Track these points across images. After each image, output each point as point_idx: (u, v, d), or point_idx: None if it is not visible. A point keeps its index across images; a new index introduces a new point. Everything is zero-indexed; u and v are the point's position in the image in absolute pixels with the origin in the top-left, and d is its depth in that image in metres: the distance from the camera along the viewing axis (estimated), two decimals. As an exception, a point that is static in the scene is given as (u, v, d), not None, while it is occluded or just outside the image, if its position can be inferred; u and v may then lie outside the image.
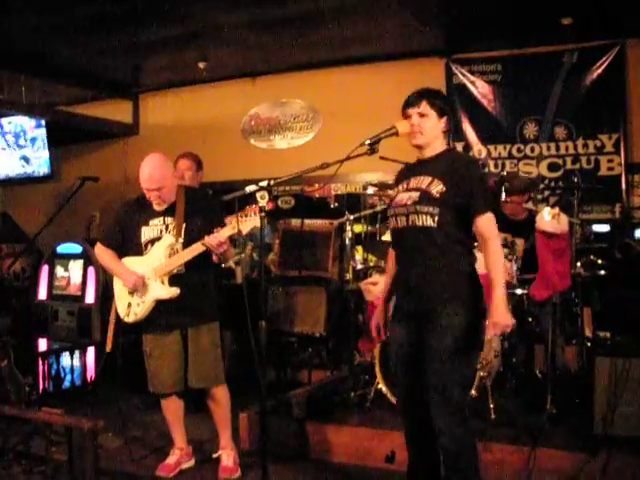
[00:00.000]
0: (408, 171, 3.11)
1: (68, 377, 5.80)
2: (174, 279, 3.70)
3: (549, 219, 4.07)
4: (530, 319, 4.86)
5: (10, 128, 8.25)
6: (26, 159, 8.25)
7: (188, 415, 4.06)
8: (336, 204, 6.11)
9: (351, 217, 5.00)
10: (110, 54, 6.66)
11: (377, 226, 5.26)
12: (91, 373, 6.03)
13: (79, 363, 5.99)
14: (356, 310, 5.11)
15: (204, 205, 3.81)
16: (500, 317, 2.82)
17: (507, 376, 4.70)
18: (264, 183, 2.80)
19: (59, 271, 6.68)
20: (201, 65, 6.84)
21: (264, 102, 7.26)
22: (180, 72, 7.33)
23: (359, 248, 5.53)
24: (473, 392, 4.03)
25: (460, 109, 6.41)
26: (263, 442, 2.93)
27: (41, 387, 5.51)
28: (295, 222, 5.73)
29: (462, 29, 6.00)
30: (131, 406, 5.24)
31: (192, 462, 4.02)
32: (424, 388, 2.91)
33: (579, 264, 4.50)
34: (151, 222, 3.76)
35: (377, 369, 4.42)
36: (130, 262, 3.79)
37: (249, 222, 3.30)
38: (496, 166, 6.31)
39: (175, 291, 3.67)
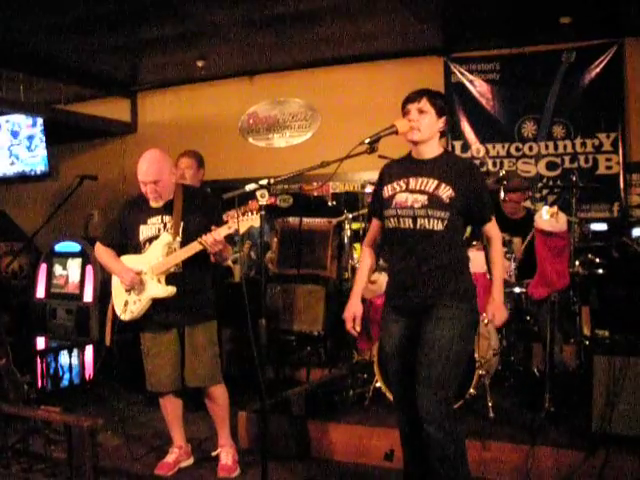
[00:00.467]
0: (401, 169, 3.08)
1: (66, 375, 5.79)
2: (171, 278, 3.69)
3: (547, 218, 4.08)
4: (528, 318, 4.88)
5: (7, 126, 8.24)
6: (23, 158, 8.24)
7: (187, 414, 4.05)
8: (334, 203, 6.11)
9: (350, 215, 5.00)
10: (109, 53, 6.66)
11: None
12: (89, 371, 6.03)
13: (77, 361, 5.98)
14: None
15: (202, 204, 3.80)
16: (499, 313, 3.07)
17: (505, 374, 4.72)
18: (264, 182, 2.80)
19: (57, 269, 6.67)
20: (199, 64, 6.84)
21: (262, 101, 7.25)
22: (178, 71, 7.33)
23: (357, 246, 5.54)
24: (472, 390, 4.05)
25: (458, 108, 6.41)
26: (263, 441, 2.92)
27: (39, 385, 5.49)
28: (293, 220, 5.74)
29: (461, 28, 6.01)
30: (130, 404, 5.25)
31: (191, 460, 4.01)
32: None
33: (577, 263, 4.51)
34: (149, 221, 3.76)
35: (376, 367, 4.42)
36: (128, 260, 3.79)
37: (247, 221, 3.31)
38: (494, 165, 6.32)
39: (172, 290, 3.67)
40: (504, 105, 6.30)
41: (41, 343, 6.18)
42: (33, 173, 8.19)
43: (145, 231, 3.76)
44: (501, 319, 3.09)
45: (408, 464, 3.20)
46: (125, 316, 3.79)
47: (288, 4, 5.46)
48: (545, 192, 5.87)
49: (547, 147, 6.16)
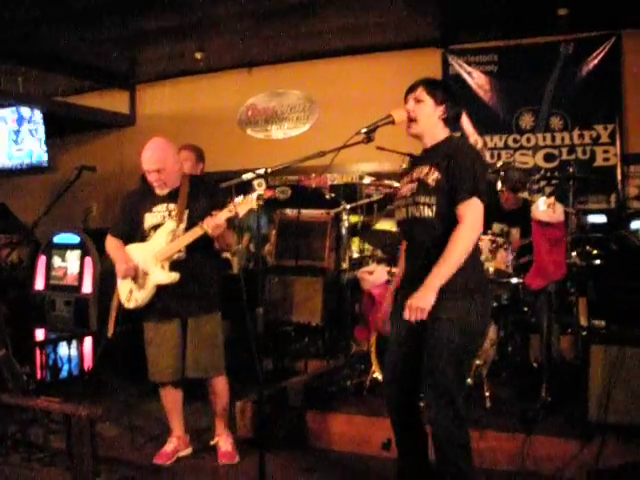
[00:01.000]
0: (414, 162, 3.06)
1: (65, 367, 5.81)
2: (175, 265, 3.71)
3: (544, 208, 4.09)
4: (526, 308, 4.90)
5: (6, 118, 8.23)
6: (22, 149, 8.24)
7: (185, 404, 4.06)
8: (332, 194, 6.12)
9: (348, 207, 5.01)
10: (107, 45, 6.65)
11: (374, 215, 5.29)
12: (88, 363, 6.05)
13: (76, 353, 6.00)
14: (352, 299, 5.13)
15: (207, 191, 3.80)
16: (418, 300, 2.70)
17: (502, 365, 4.74)
18: (261, 171, 2.82)
19: (56, 261, 6.67)
20: (198, 55, 6.84)
21: (261, 92, 7.26)
22: (177, 63, 7.33)
23: (355, 240, 5.55)
24: (469, 380, 4.07)
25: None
26: (260, 430, 2.94)
27: (38, 377, 5.52)
28: (291, 212, 5.76)
29: (459, 20, 6.01)
30: (129, 395, 5.26)
31: (189, 450, 4.03)
32: (417, 379, 2.90)
33: (574, 254, 4.53)
34: (154, 208, 3.79)
35: (373, 358, 4.45)
36: (133, 248, 3.82)
37: (245, 204, 3.31)
38: (492, 156, 6.33)
39: (175, 276, 3.68)
40: (502, 97, 6.30)
41: (40, 334, 6.20)
42: (32, 165, 8.18)
43: (150, 219, 3.78)
44: (418, 312, 2.69)
45: (402, 454, 3.17)
46: (130, 304, 3.80)
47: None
48: (543, 184, 5.85)
49: (545, 139, 6.17)
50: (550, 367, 4.18)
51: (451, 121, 2.97)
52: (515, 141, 6.27)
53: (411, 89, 2.96)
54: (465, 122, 6.46)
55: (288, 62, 7.22)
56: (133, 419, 4.50)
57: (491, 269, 4.47)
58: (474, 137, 6.44)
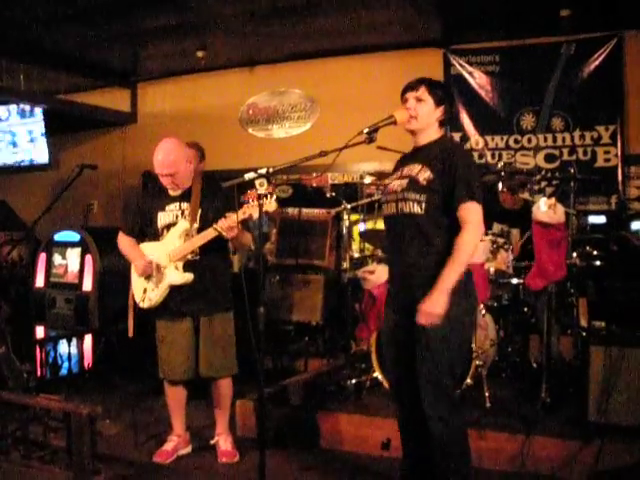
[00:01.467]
0: (404, 159, 3.13)
1: (65, 364, 5.82)
2: (188, 265, 3.72)
3: (545, 209, 4.09)
4: (525, 309, 4.90)
5: (7, 116, 8.23)
6: (23, 147, 8.23)
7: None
8: (333, 194, 6.12)
9: (349, 206, 5.02)
10: (109, 42, 6.64)
11: (375, 214, 5.29)
12: (88, 360, 6.06)
13: (76, 350, 6.01)
14: (353, 298, 5.14)
15: (221, 190, 3.79)
16: (431, 305, 2.75)
17: (502, 365, 4.74)
18: (263, 170, 2.82)
19: (57, 259, 6.69)
20: (200, 54, 6.82)
21: (262, 91, 7.25)
22: (178, 61, 7.32)
23: (356, 237, 5.56)
24: (469, 381, 4.08)
25: (458, 100, 6.40)
26: (260, 428, 2.94)
27: (38, 374, 5.52)
28: (292, 211, 5.76)
29: (460, 20, 5.99)
30: (129, 393, 5.28)
31: (189, 448, 4.04)
32: (414, 374, 2.94)
33: (575, 254, 4.54)
34: (167, 207, 3.79)
35: (373, 357, 4.45)
36: (146, 247, 3.83)
37: (263, 206, 3.29)
38: (493, 157, 6.32)
39: (189, 276, 3.69)
40: (503, 97, 6.29)
41: (40, 332, 6.21)
42: (34, 163, 8.18)
43: (163, 218, 3.79)
44: (433, 318, 2.75)
45: (406, 453, 3.22)
46: (144, 303, 3.82)
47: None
48: (543, 184, 5.86)
49: (546, 139, 6.16)
50: (550, 368, 4.19)
51: (445, 123, 3.04)
52: (516, 141, 6.26)
53: (411, 87, 2.98)
54: (466, 122, 6.48)
55: (289, 61, 7.21)
56: (134, 417, 4.51)
57: (492, 269, 4.49)
58: (475, 137, 6.44)
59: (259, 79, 7.44)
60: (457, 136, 6.43)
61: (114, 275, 6.54)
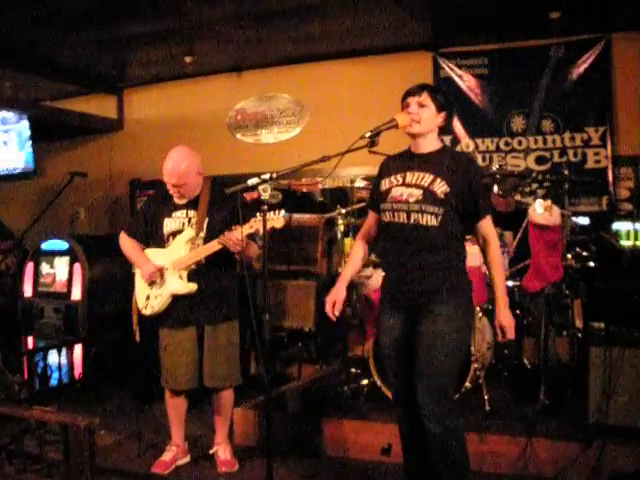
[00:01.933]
0: (399, 163, 3.08)
1: (55, 375, 5.74)
2: (193, 274, 3.67)
3: (541, 211, 4.10)
4: (518, 311, 4.89)
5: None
6: (9, 155, 8.12)
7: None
8: (321, 199, 6.09)
9: (343, 211, 4.99)
10: (95, 48, 6.57)
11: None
12: (79, 370, 5.98)
13: (66, 360, 5.93)
14: (348, 304, 5.10)
15: (229, 200, 3.71)
16: (506, 320, 2.94)
17: (498, 368, 4.74)
18: (266, 176, 2.79)
19: (44, 268, 6.61)
20: (187, 59, 6.77)
21: (250, 96, 7.21)
22: (165, 67, 7.26)
23: (347, 241, 5.53)
24: (468, 384, 4.06)
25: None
26: (267, 437, 2.90)
27: (29, 385, 5.44)
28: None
29: (450, 23, 6.00)
30: (121, 403, 5.21)
31: (188, 458, 3.99)
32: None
33: (569, 256, 4.54)
34: (174, 214, 3.75)
35: (371, 362, 4.42)
36: (151, 253, 3.79)
37: (269, 222, 3.24)
38: (484, 159, 6.32)
39: (193, 287, 3.65)
40: (493, 100, 6.30)
41: (29, 343, 6.13)
42: (19, 171, 8.07)
43: (169, 224, 3.74)
44: (511, 327, 2.95)
45: (408, 458, 3.20)
46: (146, 311, 3.77)
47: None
48: (535, 186, 5.88)
49: (536, 141, 6.18)
50: (547, 370, 4.19)
51: (442, 129, 3.09)
52: (507, 144, 6.28)
53: (413, 93, 2.97)
54: (456, 125, 6.48)
55: (278, 66, 7.18)
56: (127, 428, 4.45)
57: (487, 272, 4.47)
58: (465, 140, 6.45)
59: (247, 84, 7.40)
60: (447, 139, 6.42)
61: (103, 284, 6.48)
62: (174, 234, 3.71)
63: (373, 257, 5.14)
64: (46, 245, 6.63)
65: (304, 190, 6.82)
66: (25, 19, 5.74)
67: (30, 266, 6.61)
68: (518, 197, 4.95)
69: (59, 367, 5.78)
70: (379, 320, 3.19)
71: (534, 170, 5.99)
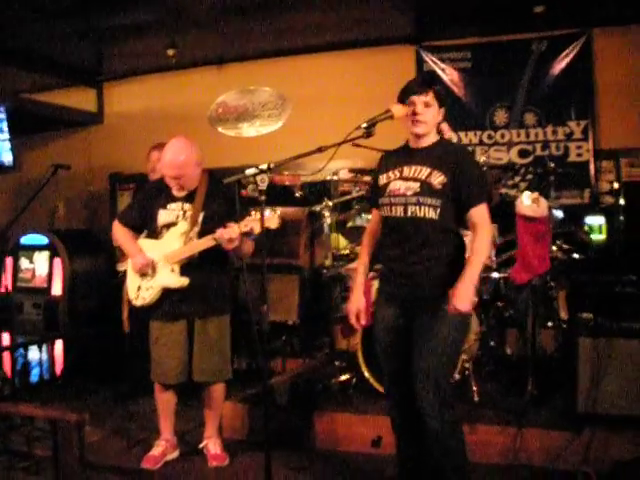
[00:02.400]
0: (396, 157, 3.08)
1: (36, 371, 5.67)
2: (186, 268, 3.63)
3: (529, 203, 4.13)
4: (501, 303, 4.92)
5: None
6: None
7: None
8: (301, 193, 6.07)
9: (330, 203, 4.98)
10: (74, 40, 6.45)
11: (352, 212, 5.26)
12: (60, 366, 5.92)
13: (47, 356, 5.86)
14: (336, 296, 5.10)
15: (226, 195, 3.71)
16: (464, 293, 2.78)
17: (484, 360, 4.77)
18: (264, 166, 2.77)
19: (23, 263, 6.53)
20: (170, 52, 6.68)
21: (232, 90, 7.15)
22: (146, 59, 7.16)
23: (333, 235, 5.53)
24: (456, 376, 4.08)
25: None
26: (266, 430, 2.88)
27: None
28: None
29: (433, 16, 6.00)
30: (104, 399, 5.17)
31: (177, 453, 3.96)
32: (411, 372, 2.94)
33: (555, 248, 4.60)
34: (169, 206, 3.70)
35: (359, 355, 4.42)
36: (144, 244, 3.75)
37: (266, 221, 3.24)
38: (467, 153, 6.34)
39: (184, 281, 3.62)
40: (476, 93, 6.31)
41: (7, 339, 6.04)
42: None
43: (164, 216, 3.69)
44: (464, 307, 2.79)
45: (401, 450, 3.21)
46: (137, 302, 3.74)
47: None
48: (517, 179, 5.93)
49: (519, 135, 6.21)
50: (534, 361, 4.23)
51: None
52: (489, 137, 6.30)
53: (417, 91, 2.93)
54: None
55: (259, 59, 7.12)
56: (116, 423, 4.41)
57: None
58: (449, 134, 6.46)
59: (229, 77, 7.33)
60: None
61: (84, 279, 6.42)
62: (168, 226, 3.68)
63: (358, 249, 5.16)
64: (25, 239, 6.56)
65: (286, 183, 6.80)
66: (2, 9, 5.62)
67: (9, 261, 6.52)
68: (503, 190, 5.00)
69: (40, 363, 5.71)
70: (375, 313, 3.16)
71: (517, 163, 6.02)
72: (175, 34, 6.42)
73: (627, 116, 5.88)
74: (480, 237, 2.90)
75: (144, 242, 3.76)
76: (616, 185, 5.90)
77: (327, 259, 5.16)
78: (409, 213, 2.91)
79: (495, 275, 4.70)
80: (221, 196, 3.70)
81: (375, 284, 4.24)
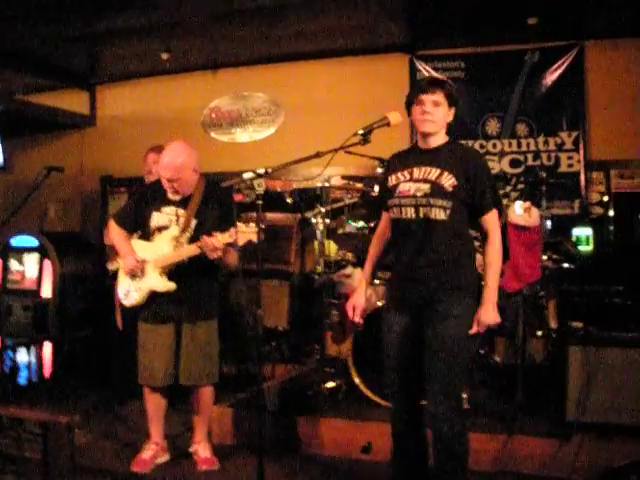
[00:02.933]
0: (406, 159, 3.05)
1: (24, 373, 5.64)
2: (174, 272, 3.64)
3: (521, 212, 4.16)
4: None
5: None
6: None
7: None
8: (291, 199, 6.08)
9: (322, 209, 4.99)
10: (67, 43, 6.45)
11: (344, 218, 5.27)
12: (49, 369, 5.88)
13: (35, 359, 5.83)
14: (327, 303, 5.10)
15: (221, 203, 3.70)
16: (488, 316, 2.86)
17: (473, 367, 4.78)
18: (261, 170, 2.78)
19: (13, 265, 6.49)
20: (164, 56, 6.69)
21: (225, 95, 7.17)
22: (139, 63, 7.16)
23: (325, 241, 5.52)
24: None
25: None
26: (258, 436, 2.88)
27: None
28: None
29: (427, 26, 6.05)
30: (93, 401, 5.14)
31: (167, 456, 3.95)
32: (421, 376, 2.93)
33: (545, 257, 4.62)
34: (163, 209, 3.70)
35: (350, 361, 4.42)
36: (137, 245, 3.75)
37: (245, 234, 3.24)
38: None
39: (171, 286, 3.62)
40: (468, 103, 6.35)
41: (-4, 341, 6.01)
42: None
43: (157, 219, 3.69)
44: (487, 323, 2.86)
45: (398, 458, 3.16)
46: (126, 302, 3.75)
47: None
48: (508, 189, 5.98)
49: (510, 145, 6.27)
50: (523, 369, 4.25)
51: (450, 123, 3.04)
52: (481, 147, 6.35)
53: (427, 90, 2.92)
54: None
55: (253, 65, 7.14)
56: (105, 426, 4.39)
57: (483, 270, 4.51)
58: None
59: (222, 82, 7.35)
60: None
61: (74, 281, 6.39)
62: (160, 229, 3.68)
63: (350, 256, 5.17)
64: (15, 241, 6.52)
65: (278, 189, 6.82)
66: (-4, 11, 5.62)
67: (-2, 263, 6.49)
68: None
69: (28, 366, 5.68)
70: (383, 319, 3.14)
71: (508, 173, 6.07)
72: (169, 39, 6.43)
73: (618, 127, 5.96)
74: (493, 246, 2.93)
75: (136, 243, 3.77)
76: (606, 198, 5.96)
77: (318, 266, 5.15)
78: (420, 215, 2.89)
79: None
80: (216, 202, 3.70)
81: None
